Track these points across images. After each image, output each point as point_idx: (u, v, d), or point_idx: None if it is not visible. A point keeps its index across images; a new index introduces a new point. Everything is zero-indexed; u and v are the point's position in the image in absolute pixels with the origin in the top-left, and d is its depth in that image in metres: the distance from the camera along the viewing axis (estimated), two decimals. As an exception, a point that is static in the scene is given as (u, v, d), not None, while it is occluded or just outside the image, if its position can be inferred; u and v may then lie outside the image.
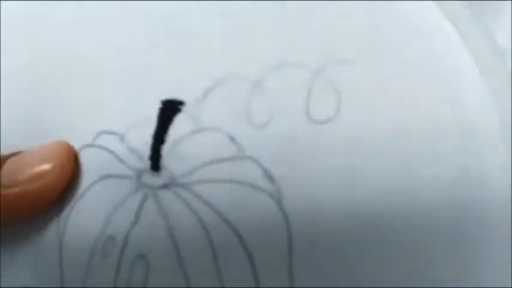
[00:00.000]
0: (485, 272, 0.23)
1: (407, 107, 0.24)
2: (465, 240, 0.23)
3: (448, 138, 0.24)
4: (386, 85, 0.25)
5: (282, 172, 0.24)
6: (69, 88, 0.27)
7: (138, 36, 0.27)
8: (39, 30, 0.28)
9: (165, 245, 0.25)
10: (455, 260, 0.23)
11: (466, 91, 0.25)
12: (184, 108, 0.25)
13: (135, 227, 0.25)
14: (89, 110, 0.27)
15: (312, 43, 0.25)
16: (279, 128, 0.25)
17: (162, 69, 0.26)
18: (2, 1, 0.29)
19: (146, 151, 0.25)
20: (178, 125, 0.25)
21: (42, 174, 0.26)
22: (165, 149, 0.25)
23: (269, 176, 0.24)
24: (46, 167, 0.26)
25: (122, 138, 0.26)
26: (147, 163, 0.25)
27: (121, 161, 0.26)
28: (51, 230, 0.26)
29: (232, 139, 0.25)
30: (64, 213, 0.26)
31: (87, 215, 0.26)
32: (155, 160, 0.25)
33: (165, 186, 0.25)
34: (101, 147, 0.26)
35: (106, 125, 0.26)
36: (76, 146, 0.26)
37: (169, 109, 0.26)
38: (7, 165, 0.26)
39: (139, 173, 0.25)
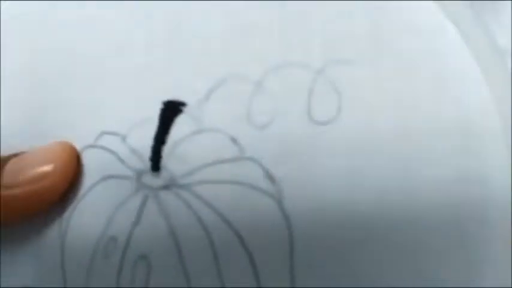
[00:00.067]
0: (485, 272, 0.23)
1: (408, 107, 0.24)
2: (465, 240, 0.23)
3: (448, 138, 0.24)
4: (387, 85, 0.25)
5: (283, 173, 0.24)
6: (70, 88, 0.27)
7: (138, 36, 0.27)
8: (39, 30, 0.28)
9: (166, 246, 0.25)
10: (455, 260, 0.23)
11: (466, 91, 0.25)
12: (185, 109, 0.26)
13: (136, 228, 0.25)
14: (89, 110, 0.27)
15: (312, 43, 0.25)
16: (280, 129, 0.25)
17: (162, 70, 0.26)
18: (2, 1, 0.29)
19: (147, 152, 0.26)
20: (179, 126, 0.25)
21: (44, 175, 0.26)
22: (166, 150, 0.25)
23: (270, 177, 0.24)
24: (48, 168, 0.26)
25: (123, 138, 0.26)
26: (147, 164, 0.25)
27: (122, 161, 0.26)
28: (53, 231, 0.26)
29: (234, 140, 0.25)
30: (66, 214, 0.26)
31: (89, 215, 0.26)
32: (156, 161, 0.25)
33: (166, 187, 0.25)
34: (102, 147, 0.26)
35: (107, 125, 0.26)
36: (78, 146, 0.26)
37: (171, 110, 0.26)
38: (9, 166, 0.26)
39: (139, 174, 0.25)
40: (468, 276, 0.23)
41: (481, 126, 0.24)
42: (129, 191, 0.25)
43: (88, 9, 0.28)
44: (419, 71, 0.25)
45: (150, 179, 0.25)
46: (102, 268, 0.25)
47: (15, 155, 0.26)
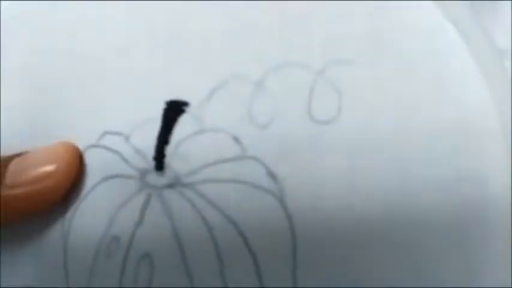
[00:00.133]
0: (485, 272, 0.24)
1: (407, 107, 0.25)
2: (465, 240, 0.24)
3: (448, 138, 0.24)
4: (387, 85, 0.25)
5: (285, 171, 0.25)
6: (70, 88, 0.27)
7: (140, 36, 0.27)
8: (39, 30, 0.28)
9: (170, 245, 0.25)
10: (455, 260, 0.24)
11: (466, 91, 0.25)
12: (187, 109, 0.26)
13: (139, 227, 0.25)
14: (90, 110, 0.27)
15: (312, 43, 0.26)
16: (281, 128, 0.25)
17: (163, 70, 0.26)
18: (2, 1, 0.29)
19: (150, 151, 0.26)
20: (182, 126, 0.26)
21: (46, 175, 0.26)
22: (169, 150, 0.26)
23: (272, 175, 0.25)
24: (51, 168, 0.26)
25: (127, 138, 0.26)
26: (151, 163, 0.26)
27: (126, 161, 0.26)
28: (56, 231, 0.26)
29: (236, 139, 0.25)
30: (68, 214, 0.26)
31: (91, 215, 0.26)
32: (159, 160, 0.26)
33: (170, 186, 0.25)
34: (105, 147, 0.26)
35: (109, 125, 0.26)
36: (80, 146, 0.26)
37: (174, 110, 0.26)
38: (11, 166, 0.26)
39: (143, 173, 0.26)
40: (468, 276, 0.24)
41: (481, 126, 0.24)
42: (132, 191, 0.26)
43: (88, 9, 0.28)
44: (419, 71, 0.25)
45: (154, 178, 0.25)
46: (104, 268, 0.25)
47: (17, 155, 0.26)
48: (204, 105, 0.26)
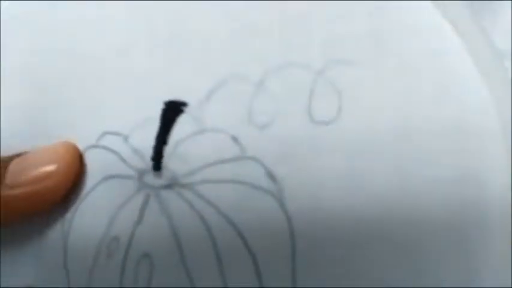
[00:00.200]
0: (485, 272, 0.24)
1: (407, 107, 0.25)
2: (465, 240, 0.24)
3: (448, 138, 0.24)
4: (387, 85, 0.25)
5: (284, 172, 0.25)
6: (70, 88, 0.27)
7: (139, 36, 0.27)
8: (39, 30, 0.28)
9: (169, 245, 0.25)
10: (455, 260, 0.24)
11: (466, 91, 0.25)
12: (186, 109, 0.26)
13: (138, 227, 0.25)
14: (90, 110, 0.27)
15: (312, 43, 0.26)
16: (281, 129, 0.25)
17: (163, 70, 0.26)
18: (2, 1, 0.29)
19: (149, 152, 0.26)
20: (181, 126, 0.26)
21: (47, 176, 0.26)
22: (168, 150, 0.26)
23: (271, 176, 0.25)
24: (51, 168, 0.26)
25: (126, 138, 0.26)
26: (149, 163, 0.26)
27: (124, 161, 0.26)
28: (56, 231, 0.26)
29: (235, 140, 0.25)
30: (68, 215, 0.26)
31: (91, 215, 0.26)
32: (157, 160, 0.26)
33: (168, 186, 0.25)
34: (105, 147, 0.26)
35: (109, 125, 0.26)
36: (80, 146, 0.27)
37: (172, 110, 0.26)
38: (12, 166, 0.26)
39: (141, 173, 0.26)
40: (468, 276, 0.24)
41: (481, 126, 0.24)
42: (131, 191, 0.26)
43: (88, 9, 0.28)
44: (419, 71, 0.25)
45: (152, 179, 0.25)
46: (105, 268, 0.25)
47: (18, 155, 0.27)
48: (204, 105, 0.26)
